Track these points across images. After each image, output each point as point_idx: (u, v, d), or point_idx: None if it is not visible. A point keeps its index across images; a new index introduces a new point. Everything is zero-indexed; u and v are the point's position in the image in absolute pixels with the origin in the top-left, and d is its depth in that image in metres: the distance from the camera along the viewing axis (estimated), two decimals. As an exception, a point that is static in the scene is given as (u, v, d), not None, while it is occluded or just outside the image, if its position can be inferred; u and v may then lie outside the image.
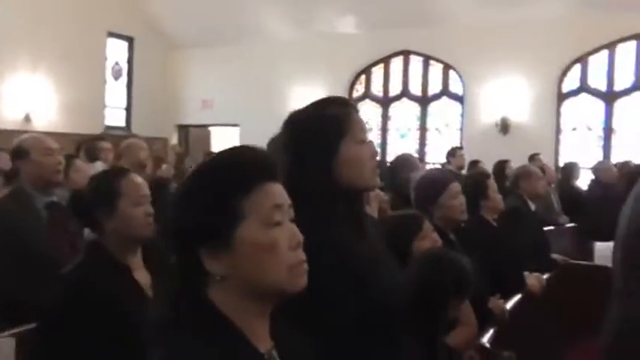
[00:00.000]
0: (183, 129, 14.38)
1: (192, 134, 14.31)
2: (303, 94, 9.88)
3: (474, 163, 7.88)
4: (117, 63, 13.33)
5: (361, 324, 1.44)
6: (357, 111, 1.67)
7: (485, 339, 2.80)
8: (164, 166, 8.24)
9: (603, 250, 5.69)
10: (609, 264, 5.64)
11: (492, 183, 3.89)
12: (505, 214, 4.02)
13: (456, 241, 3.10)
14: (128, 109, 13.52)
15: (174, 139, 14.09)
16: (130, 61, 13.50)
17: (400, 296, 1.58)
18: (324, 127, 1.58)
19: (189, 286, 1.09)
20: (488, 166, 7.82)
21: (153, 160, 5.96)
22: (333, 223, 1.50)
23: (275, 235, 1.08)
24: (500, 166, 7.76)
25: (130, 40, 13.37)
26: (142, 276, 2.12)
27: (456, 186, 3.12)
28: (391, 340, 1.52)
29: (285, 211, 1.11)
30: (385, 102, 12.01)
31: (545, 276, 4.10)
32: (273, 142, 2.88)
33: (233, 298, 1.08)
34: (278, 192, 1.12)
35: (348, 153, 1.57)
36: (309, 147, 1.57)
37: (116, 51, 13.28)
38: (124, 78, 13.47)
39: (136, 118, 13.37)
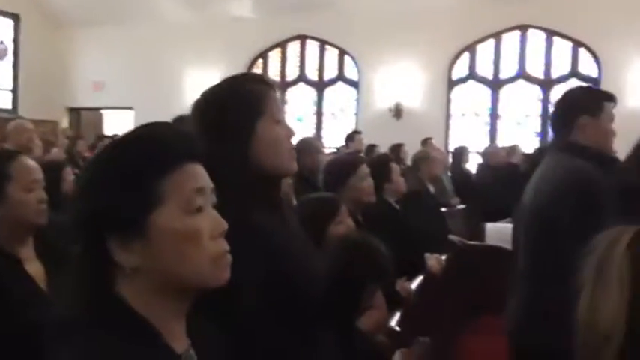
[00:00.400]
0: (75, 112, 13.80)
1: (84, 117, 13.81)
2: (199, 78, 9.67)
3: (372, 148, 8.00)
4: (1, 42, 12.63)
5: (280, 313, 1.36)
6: (274, 89, 1.57)
7: (394, 322, 2.81)
8: (54, 150, 7.78)
9: (493, 230, 5.95)
10: (500, 243, 5.91)
11: (395, 167, 3.96)
12: (406, 197, 4.08)
13: (363, 224, 3.10)
14: (15, 90, 12.88)
15: (64, 123, 13.46)
16: (15, 40, 12.88)
17: (319, 283, 1.51)
18: (240, 105, 1.47)
19: (96, 280, 0.96)
20: (383, 150, 7.98)
21: (43, 143, 5.59)
22: (251, 207, 1.40)
23: (196, 222, 0.96)
24: (395, 150, 7.95)
25: (15, 18, 12.70)
26: (35, 268, 1.95)
27: (365, 168, 3.15)
28: (309, 329, 1.46)
29: (207, 196, 1.00)
30: (282, 86, 11.96)
31: (443, 256, 4.21)
32: (181, 122, 2.73)
33: (146, 294, 0.96)
34: (200, 174, 1.00)
35: (265, 133, 1.47)
36: (223, 126, 1.45)
37: (0, 29, 12.52)
38: (10, 58, 12.81)
39: (24, 101, 12.73)
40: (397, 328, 2.78)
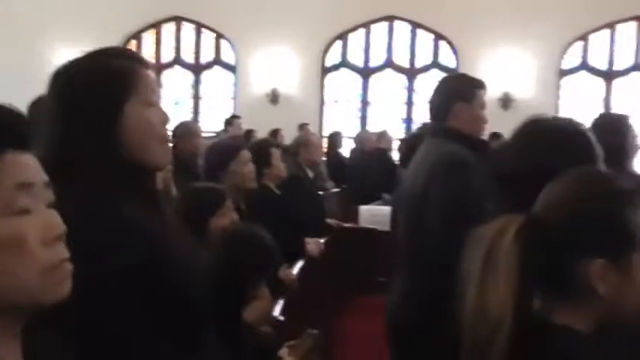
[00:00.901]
0: None
1: None
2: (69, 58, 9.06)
3: (249, 132, 8.00)
4: None
5: (156, 319, 1.22)
6: (146, 66, 1.36)
7: (278, 312, 2.76)
8: None
9: (367, 213, 6.19)
10: (373, 225, 6.11)
11: (276, 151, 3.95)
12: (286, 182, 4.12)
13: (245, 211, 3.10)
14: None
15: None
16: None
17: (201, 279, 1.39)
18: (105, 83, 1.27)
19: None
20: (261, 134, 8.01)
21: None
22: (121, 200, 1.24)
23: (20, 225, 0.77)
24: (274, 134, 8.02)
25: None
26: None
27: (246, 153, 3.11)
28: (192, 332, 1.33)
29: (36, 194, 0.80)
30: (158, 69, 11.58)
31: (322, 240, 4.31)
32: (37, 105, 2.49)
33: None
34: (25, 165, 0.80)
35: (134, 117, 1.27)
36: (85, 107, 1.25)
37: None
38: None
39: None
40: (281, 318, 2.75)
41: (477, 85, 2.56)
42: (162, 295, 1.23)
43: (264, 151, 3.83)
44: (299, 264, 3.68)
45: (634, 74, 10.50)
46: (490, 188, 1.98)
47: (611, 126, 2.80)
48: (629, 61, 10.50)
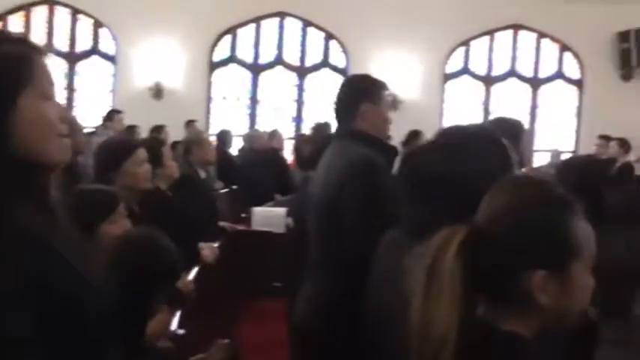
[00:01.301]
0: None
1: None
2: None
3: (131, 128, 7.58)
4: None
5: (55, 343, 1.09)
6: (42, 53, 1.22)
7: (175, 324, 2.61)
8: None
9: (260, 215, 6.02)
10: (266, 227, 5.96)
11: (168, 150, 3.77)
12: (178, 183, 3.90)
13: (138, 213, 2.87)
14: None
15: None
16: None
17: (101, 293, 1.25)
18: None
19: None
20: (144, 130, 7.62)
21: None
22: (12, 204, 1.11)
23: None
24: (157, 131, 7.63)
25: None
26: None
27: (142, 152, 2.94)
28: (91, 354, 1.20)
29: None
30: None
31: (216, 244, 4.13)
32: None
33: None
34: None
35: (29, 110, 1.15)
36: None
37: None
38: None
39: None
40: (181, 331, 2.60)
41: (382, 85, 2.57)
42: (60, 317, 1.09)
43: (155, 150, 3.58)
44: (194, 271, 3.46)
45: (511, 80, 11.06)
46: (401, 192, 1.90)
47: (509, 132, 2.90)
48: (507, 67, 11.04)
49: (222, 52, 10.88)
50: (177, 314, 2.71)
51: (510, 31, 10.90)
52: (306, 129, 8.84)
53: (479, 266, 1.03)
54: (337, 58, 10.92)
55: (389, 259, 1.62)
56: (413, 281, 1.06)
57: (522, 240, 1.05)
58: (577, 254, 1.06)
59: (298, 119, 11.02)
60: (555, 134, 10.97)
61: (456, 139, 1.57)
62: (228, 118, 10.67)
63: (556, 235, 1.05)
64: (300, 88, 11.05)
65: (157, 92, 10.44)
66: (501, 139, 1.57)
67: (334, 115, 2.57)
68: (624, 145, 7.70)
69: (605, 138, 8.09)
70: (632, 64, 10.20)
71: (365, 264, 1.75)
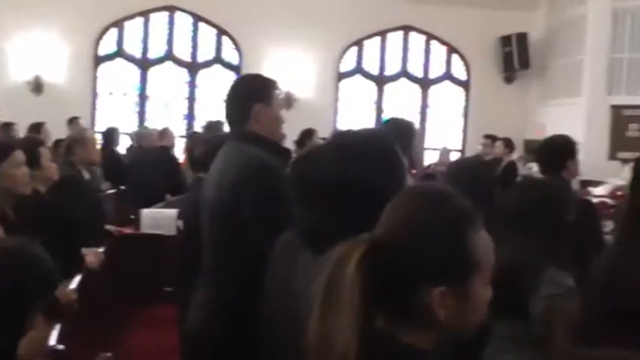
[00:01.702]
0: None
1: None
2: None
3: (7, 126, 7.06)
4: None
5: None
6: None
7: (54, 340, 2.41)
8: None
9: (149, 217, 5.77)
10: (155, 230, 5.75)
11: (45, 151, 3.55)
12: (59, 185, 3.65)
13: (14, 219, 2.67)
14: None
15: None
16: None
17: None
18: None
19: None
20: (22, 128, 7.12)
21: None
22: None
23: None
24: (35, 129, 7.13)
25: None
26: None
27: (20, 155, 2.81)
28: None
29: None
30: None
31: (101, 249, 3.90)
32: None
33: None
34: None
35: None
36: None
37: None
38: None
39: None
40: (60, 347, 2.42)
41: (274, 85, 2.54)
42: None
43: (32, 151, 3.33)
44: (77, 279, 3.23)
45: (402, 80, 11.33)
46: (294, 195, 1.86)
47: (403, 133, 2.95)
48: (398, 68, 11.30)
49: (108, 45, 10.41)
50: (57, 328, 2.52)
51: (401, 33, 11.16)
52: (199, 127, 8.63)
53: (378, 281, 1.00)
54: (230, 54, 10.75)
55: (281, 262, 1.59)
56: (312, 295, 1.02)
57: (422, 255, 1.02)
58: (477, 269, 1.04)
59: (190, 116, 10.75)
60: (444, 133, 11.37)
61: (346, 143, 1.52)
62: (116, 115, 10.22)
63: (456, 251, 1.03)
64: (192, 85, 10.78)
65: (37, 87, 9.82)
66: (393, 144, 1.54)
67: (226, 116, 2.52)
68: (509, 145, 8.07)
69: (491, 138, 8.44)
70: (515, 67, 10.74)
71: (260, 267, 1.69)
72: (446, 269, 1.02)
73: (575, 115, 9.35)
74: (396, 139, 2.93)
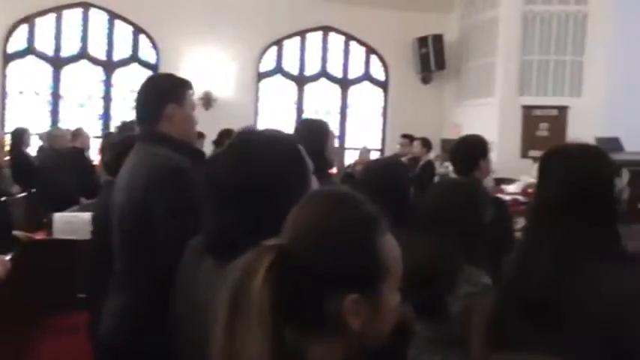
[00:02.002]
0: None
1: None
2: None
3: None
4: None
5: None
6: None
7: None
8: None
9: (61, 221, 5.54)
10: (68, 234, 5.54)
11: None
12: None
13: None
14: None
15: None
16: None
17: None
18: None
19: None
20: None
21: None
22: None
23: None
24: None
25: None
26: None
27: None
28: None
29: None
30: None
31: (7, 257, 3.70)
32: None
33: None
34: None
35: None
36: None
37: None
38: None
39: None
40: None
41: (187, 85, 2.47)
42: None
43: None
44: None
45: (322, 80, 11.39)
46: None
47: (316, 134, 2.97)
48: (318, 68, 11.35)
49: (18, 42, 9.95)
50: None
51: (320, 33, 11.22)
52: (115, 127, 8.37)
53: (288, 291, 0.95)
54: (147, 53, 10.50)
55: (187, 269, 1.54)
56: (216, 308, 0.95)
57: (330, 262, 0.98)
58: (386, 274, 1.01)
59: (105, 116, 10.43)
60: (364, 133, 11.51)
61: (248, 144, 1.46)
62: (26, 115, 9.77)
63: (365, 256, 0.99)
64: (108, 84, 10.46)
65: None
66: (296, 144, 1.50)
67: (137, 116, 2.43)
68: (427, 144, 8.25)
69: (408, 137, 8.61)
70: (431, 68, 11.00)
71: (172, 274, 1.63)
72: (356, 275, 0.99)
73: (488, 115, 9.68)
74: (309, 139, 2.96)
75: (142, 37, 10.43)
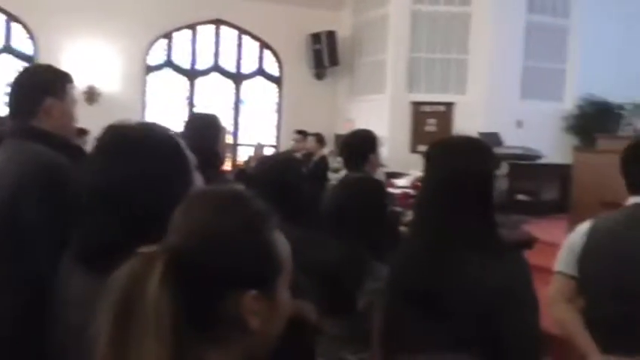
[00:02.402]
0: None
1: None
2: None
3: None
4: None
5: None
6: None
7: None
8: None
9: None
10: None
11: None
12: None
13: None
14: None
15: None
16: None
17: None
18: None
19: None
20: None
21: None
22: None
23: None
24: None
25: None
26: None
27: None
28: None
29: None
30: None
31: None
32: None
33: None
34: None
35: None
36: None
37: None
38: None
39: None
40: None
41: (68, 79, 2.34)
42: None
43: None
44: None
45: (214, 74, 11.18)
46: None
47: (207, 129, 2.91)
48: (210, 62, 11.13)
49: None
50: None
51: (212, 26, 11.00)
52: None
53: (184, 295, 0.88)
54: (22, 44, 9.86)
55: (61, 277, 1.39)
56: (101, 322, 0.86)
57: (223, 260, 0.94)
58: (280, 269, 0.99)
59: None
60: (258, 128, 11.41)
61: (119, 140, 1.34)
62: None
63: (261, 253, 0.97)
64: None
65: None
66: (174, 137, 1.40)
67: (10, 111, 2.24)
68: (321, 140, 8.29)
69: (302, 133, 8.61)
70: (325, 64, 11.07)
71: (46, 280, 1.48)
72: (252, 272, 0.96)
73: (379, 111, 9.88)
74: (199, 134, 2.84)
75: (16, 26, 9.77)
